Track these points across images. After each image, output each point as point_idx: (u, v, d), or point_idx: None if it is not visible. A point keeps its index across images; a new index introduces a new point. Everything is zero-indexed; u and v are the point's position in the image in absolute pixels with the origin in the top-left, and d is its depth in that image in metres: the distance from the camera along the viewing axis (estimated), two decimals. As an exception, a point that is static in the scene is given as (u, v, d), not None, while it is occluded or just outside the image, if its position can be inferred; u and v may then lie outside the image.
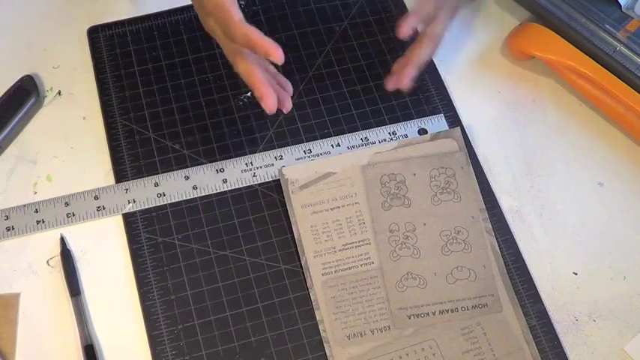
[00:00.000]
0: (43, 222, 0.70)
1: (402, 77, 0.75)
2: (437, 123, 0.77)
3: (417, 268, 0.68)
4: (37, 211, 0.71)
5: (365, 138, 0.76)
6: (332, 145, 0.75)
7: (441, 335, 0.65)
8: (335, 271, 0.68)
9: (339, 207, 0.71)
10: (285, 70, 0.79)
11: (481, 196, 0.72)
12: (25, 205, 0.71)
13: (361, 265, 0.68)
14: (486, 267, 0.69)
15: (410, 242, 0.70)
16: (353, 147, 0.75)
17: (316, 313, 0.66)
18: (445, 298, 0.67)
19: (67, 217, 0.70)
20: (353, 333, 0.65)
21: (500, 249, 0.70)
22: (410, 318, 0.66)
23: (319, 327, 0.66)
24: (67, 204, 0.71)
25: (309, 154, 0.75)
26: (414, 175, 0.73)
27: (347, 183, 0.72)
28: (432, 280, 0.68)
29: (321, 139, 0.76)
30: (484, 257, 0.69)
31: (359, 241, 0.70)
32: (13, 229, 0.70)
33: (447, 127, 0.77)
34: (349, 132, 0.76)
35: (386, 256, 0.69)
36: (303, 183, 0.72)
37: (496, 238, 0.70)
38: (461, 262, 0.69)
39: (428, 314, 0.66)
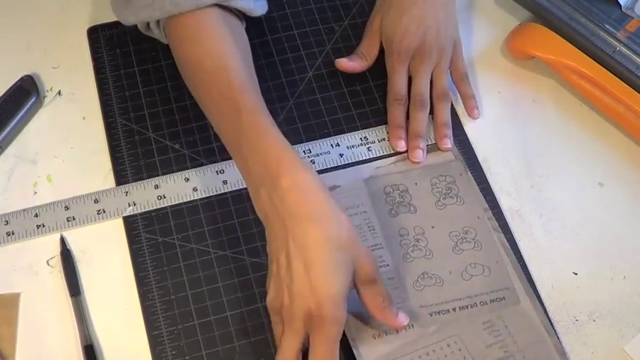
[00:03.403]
0: (44, 226, 0.70)
1: (445, 144, 0.75)
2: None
3: (432, 268, 0.69)
4: (37, 216, 0.70)
5: (364, 137, 0.76)
6: (331, 145, 0.75)
7: (465, 331, 0.65)
8: None
9: (348, 216, 0.71)
10: (285, 69, 0.80)
11: (483, 197, 0.72)
12: (24, 210, 0.71)
13: None
14: (499, 262, 0.69)
15: (421, 244, 0.70)
16: (352, 146, 0.75)
17: (346, 330, 0.64)
18: (463, 295, 0.67)
19: (67, 220, 0.70)
20: (378, 333, 0.65)
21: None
22: (432, 315, 0.66)
23: (345, 332, 0.63)
24: (67, 208, 0.71)
25: (308, 154, 0.75)
26: (416, 184, 0.73)
27: (352, 194, 0.72)
28: (447, 278, 0.68)
29: (320, 139, 0.76)
30: (495, 253, 0.70)
31: (371, 246, 0.69)
32: (13, 234, 0.69)
33: (451, 135, 0.76)
34: (349, 132, 0.76)
35: (399, 259, 0.69)
36: None
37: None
38: (473, 259, 0.69)
39: (449, 311, 0.67)
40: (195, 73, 0.68)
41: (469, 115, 0.77)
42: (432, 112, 0.76)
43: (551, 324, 0.67)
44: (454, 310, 0.67)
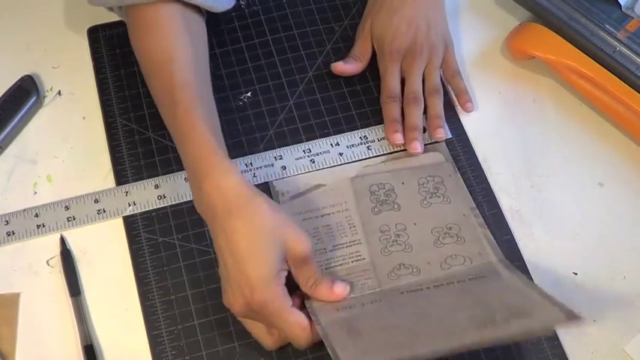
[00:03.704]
0: (44, 226, 0.70)
1: (438, 134, 0.75)
2: (437, 123, 0.77)
3: (409, 260, 0.68)
4: (37, 216, 0.71)
5: (364, 136, 0.76)
6: (331, 144, 0.75)
7: (437, 294, 0.64)
8: (326, 268, 0.68)
9: (329, 214, 0.71)
10: (285, 69, 0.80)
11: (471, 197, 0.72)
12: (25, 210, 0.71)
13: (352, 262, 0.68)
14: (482, 254, 0.68)
15: (401, 239, 0.70)
16: (352, 145, 0.75)
17: (306, 302, 0.64)
18: (440, 280, 0.66)
19: (68, 220, 0.70)
20: (342, 306, 0.64)
21: (499, 245, 0.70)
22: (403, 294, 0.65)
23: (305, 303, 0.64)
24: (67, 208, 0.71)
25: (308, 154, 0.75)
26: (403, 183, 0.73)
27: (337, 193, 0.72)
28: (425, 268, 0.68)
29: (320, 138, 0.76)
30: (478, 246, 0.69)
31: (349, 242, 0.70)
32: (13, 234, 0.70)
33: (446, 126, 0.76)
34: (349, 131, 0.76)
35: (377, 253, 0.69)
36: (294, 194, 0.72)
37: (495, 237, 0.70)
38: (454, 251, 0.69)
39: (422, 289, 0.65)
40: (144, 64, 0.70)
41: (463, 109, 0.77)
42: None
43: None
44: (428, 288, 0.65)
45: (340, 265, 0.68)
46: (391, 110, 0.76)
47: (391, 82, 0.77)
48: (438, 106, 0.76)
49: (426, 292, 0.65)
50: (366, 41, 0.79)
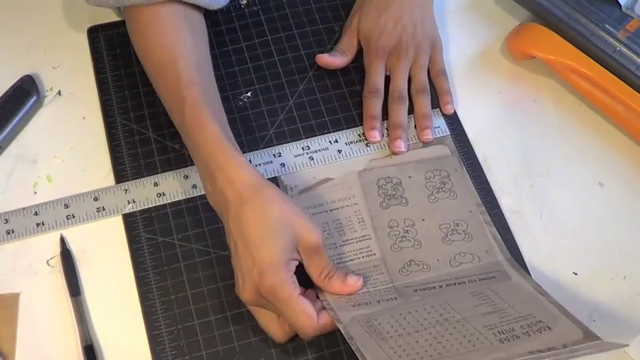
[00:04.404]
0: (43, 224, 0.70)
1: (426, 135, 0.75)
2: (436, 122, 0.77)
3: (419, 256, 0.69)
4: (36, 214, 0.71)
5: (363, 134, 0.76)
6: (330, 142, 0.75)
7: (451, 296, 0.64)
8: (337, 263, 0.68)
9: (338, 208, 0.71)
10: (285, 69, 0.80)
11: (477, 193, 0.73)
12: (24, 208, 0.71)
13: (363, 257, 0.69)
14: (489, 252, 0.69)
15: (410, 235, 0.70)
16: (351, 142, 0.75)
17: (320, 296, 0.65)
18: (451, 277, 0.67)
19: (67, 218, 0.70)
20: (358, 303, 0.64)
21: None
22: (416, 291, 0.66)
23: (319, 297, 0.64)
24: (66, 206, 0.71)
25: (307, 151, 0.75)
26: (410, 177, 0.73)
27: (345, 187, 0.72)
28: (435, 264, 0.68)
29: (319, 135, 0.76)
30: (486, 244, 0.69)
31: (359, 237, 0.70)
32: (12, 232, 0.70)
33: (445, 126, 0.77)
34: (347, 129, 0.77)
35: (387, 248, 0.69)
36: (302, 188, 0.72)
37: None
38: (463, 249, 0.69)
39: (434, 287, 0.66)
40: (148, 63, 0.71)
41: (443, 110, 0.78)
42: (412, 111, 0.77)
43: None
44: (440, 286, 0.66)
45: (351, 260, 0.69)
46: (371, 105, 0.76)
47: (374, 77, 0.77)
48: (425, 105, 0.76)
49: (438, 291, 0.65)
50: (353, 36, 0.80)
